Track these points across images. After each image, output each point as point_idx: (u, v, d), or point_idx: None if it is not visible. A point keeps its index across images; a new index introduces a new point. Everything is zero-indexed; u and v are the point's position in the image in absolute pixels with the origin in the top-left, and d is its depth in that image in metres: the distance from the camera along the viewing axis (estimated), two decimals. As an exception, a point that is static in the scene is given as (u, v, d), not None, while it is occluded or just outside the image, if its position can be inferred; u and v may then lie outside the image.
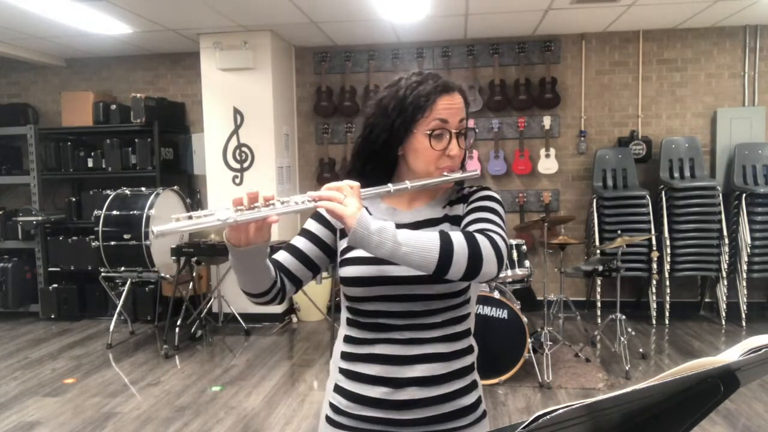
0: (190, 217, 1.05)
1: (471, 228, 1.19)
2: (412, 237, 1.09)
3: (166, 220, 1.07)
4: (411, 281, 1.19)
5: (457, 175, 1.26)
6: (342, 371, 1.27)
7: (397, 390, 1.20)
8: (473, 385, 1.28)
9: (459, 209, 1.29)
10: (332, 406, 1.28)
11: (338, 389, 1.27)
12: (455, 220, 1.27)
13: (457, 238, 1.10)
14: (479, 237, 1.12)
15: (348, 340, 1.27)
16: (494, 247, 1.12)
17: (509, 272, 4.24)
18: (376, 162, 1.27)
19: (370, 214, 1.30)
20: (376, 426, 1.23)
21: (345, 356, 1.27)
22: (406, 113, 1.21)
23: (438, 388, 1.21)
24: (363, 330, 1.25)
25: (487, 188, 1.31)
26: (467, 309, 1.28)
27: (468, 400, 1.25)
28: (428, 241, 1.09)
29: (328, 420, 1.29)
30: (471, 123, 5.68)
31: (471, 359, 1.29)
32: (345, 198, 1.09)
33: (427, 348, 1.21)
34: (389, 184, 1.19)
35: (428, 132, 1.21)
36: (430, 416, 1.21)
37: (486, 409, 1.31)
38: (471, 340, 1.30)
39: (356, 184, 1.13)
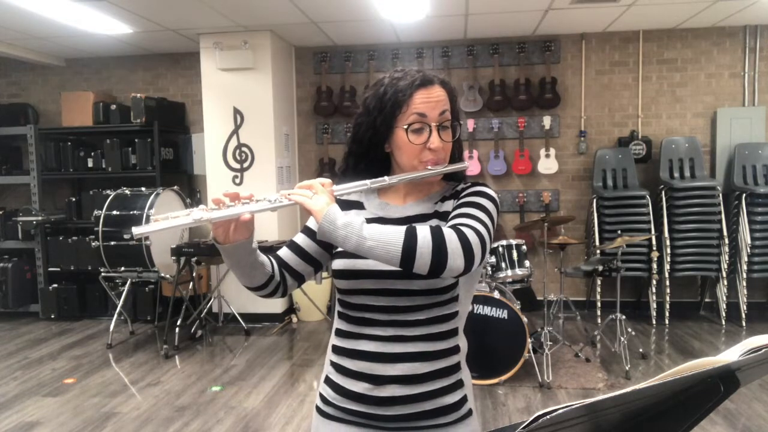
0: (167, 218, 1.13)
1: (451, 222, 1.18)
2: (378, 231, 1.10)
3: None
4: (391, 276, 1.21)
5: (441, 168, 1.25)
6: (332, 364, 1.31)
7: (378, 387, 1.22)
8: (458, 384, 1.26)
9: (449, 205, 1.28)
10: (321, 397, 1.33)
11: (328, 381, 1.32)
12: (444, 216, 1.27)
13: (423, 232, 1.09)
14: (447, 231, 1.11)
15: (338, 333, 1.31)
16: (462, 241, 1.10)
17: (509, 272, 4.24)
18: (368, 160, 1.30)
19: (363, 208, 1.34)
20: (359, 419, 1.26)
21: (335, 349, 1.31)
22: (385, 110, 1.23)
23: (419, 387, 1.22)
24: (350, 323, 1.27)
25: (481, 184, 1.29)
26: (454, 307, 1.26)
27: (451, 398, 1.24)
28: (393, 235, 1.09)
29: (317, 409, 1.34)
30: (471, 123, 5.59)
31: (457, 358, 1.27)
32: (314, 195, 1.14)
33: (410, 346, 1.22)
34: (367, 180, 1.22)
35: (405, 126, 1.22)
36: (411, 413, 1.22)
37: (472, 408, 1.30)
38: (458, 340, 1.28)
39: (328, 181, 1.18)
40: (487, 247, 1.14)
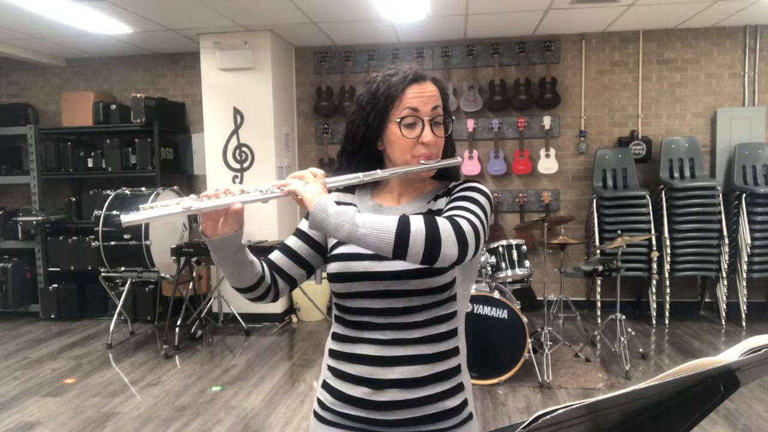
0: (156, 207, 1.12)
1: (444, 214, 1.17)
2: (370, 219, 1.10)
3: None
4: (388, 277, 1.20)
5: (433, 163, 1.25)
6: (330, 368, 1.29)
7: (378, 391, 1.21)
8: (459, 388, 1.25)
9: (442, 203, 1.28)
10: (319, 402, 1.31)
11: (325, 386, 1.30)
12: (437, 215, 1.25)
13: (416, 220, 1.09)
14: (440, 220, 1.10)
15: (335, 337, 1.30)
16: (456, 229, 1.09)
17: (509, 272, 4.24)
18: (361, 158, 1.29)
19: (358, 211, 1.32)
20: (358, 424, 1.24)
21: (332, 354, 1.29)
22: (378, 105, 1.24)
23: (419, 390, 1.20)
24: (348, 327, 1.26)
25: (474, 181, 1.29)
26: (452, 307, 1.25)
27: (452, 402, 1.23)
28: (386, 223, 1.08)
29: (315, 415, 1.32)
30: (471, 123, 5.58)
31: (457, 361, 1.25)
32: (306, 184, 1.14)
33: (409, 349, 1.20)
34: (359, 173, 1.21)
35: (398, 120, 1.22)
36: (411, 418, 1.21)
37: (473, 412, 1.28)
38: (458, 341, 1.27)
39: (320, 171, 1.18)
40: (481, 238, 1.14)
